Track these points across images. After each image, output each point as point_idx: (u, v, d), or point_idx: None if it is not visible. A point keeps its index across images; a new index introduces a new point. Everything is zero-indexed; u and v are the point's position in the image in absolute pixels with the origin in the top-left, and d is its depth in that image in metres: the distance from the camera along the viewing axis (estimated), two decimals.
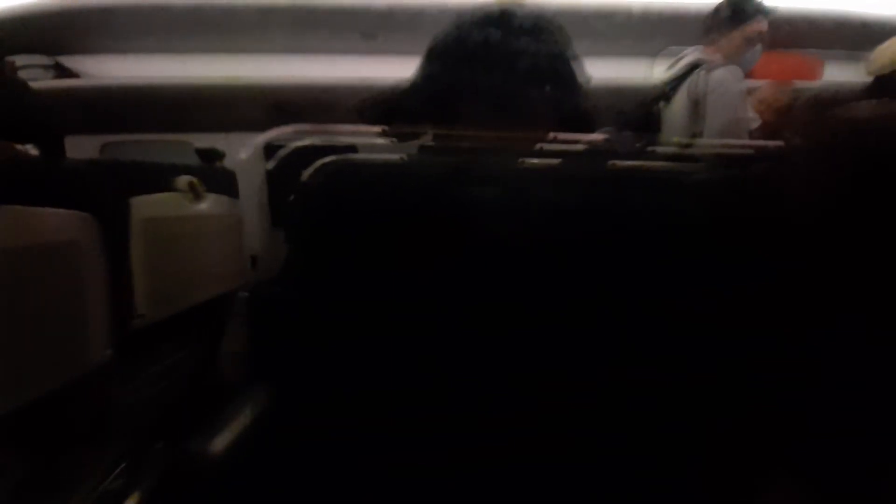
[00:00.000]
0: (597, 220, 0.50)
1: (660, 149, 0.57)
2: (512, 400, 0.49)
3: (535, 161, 0.52)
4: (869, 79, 1.55)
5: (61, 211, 0.85)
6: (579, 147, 0.55)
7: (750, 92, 1.69)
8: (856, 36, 2.16)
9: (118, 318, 0.96)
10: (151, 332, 1.08)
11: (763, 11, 1.60)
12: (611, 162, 0.52)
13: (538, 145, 0.53)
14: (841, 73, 2.28)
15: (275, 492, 0.54)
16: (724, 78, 1.50)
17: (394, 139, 0.61)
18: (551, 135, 0.54)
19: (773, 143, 0.54)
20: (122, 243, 1.01)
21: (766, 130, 1.66)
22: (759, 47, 1.62)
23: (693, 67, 1.56)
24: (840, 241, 0.44)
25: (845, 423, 0.46)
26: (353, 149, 0.61)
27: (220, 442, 0.61)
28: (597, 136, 0.62)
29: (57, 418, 0.85)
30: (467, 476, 0.50)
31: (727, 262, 0.47)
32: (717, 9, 1.61)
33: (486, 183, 0.51)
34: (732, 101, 1.49)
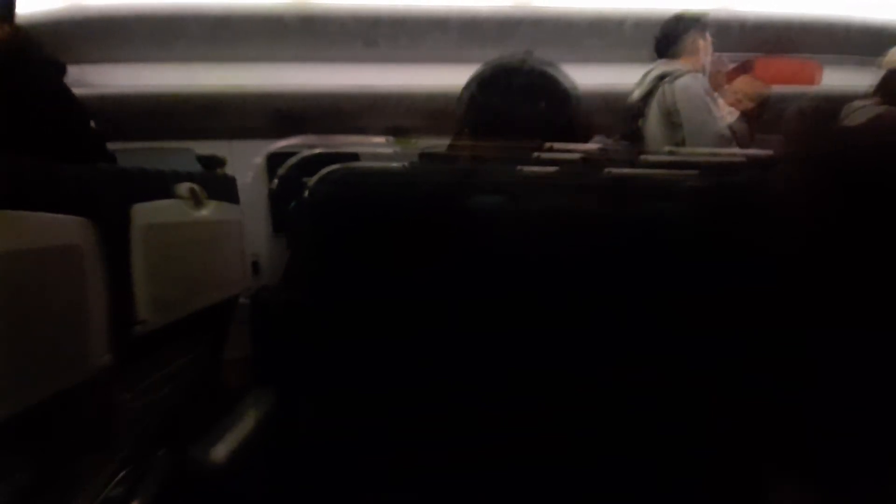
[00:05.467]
0: (594, 226, 0.50)
1: (652, 157, 0.58)
2: (514, 401, 0.50)
3: (535, 169, 0.53)
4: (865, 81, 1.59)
5: (62, 216, 0.85)
6: (576, 156, 0.56)
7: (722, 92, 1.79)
8: (856, 41, 2.17)
9: (119, 324, 0.96)
10: (153, 338, 1.08)
11: (711, 25, 1.71)
12: (607, 170, 0.53)
13: (535, 154, 0.54)
14: (840, 77, 2.29)
15: (277, 496, 0.54)
16: (688, 84, 1.58)
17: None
18: (548, 144, 0.55)
19: (765, 152, 0.55)
20: (124, 249, 1.02)
21: (747, 119, 1.76)
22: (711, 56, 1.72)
23: (660, 80, 1.64)
24: (833, 244, 0.45)
25: (846, 423, 0.47)
26: (354, 156, 0.62)
27: (223, 448, 0.61)
28: (593, 146, 0.63)
29: (59, 424, 0.85)
30: (470, 477, 0.50)
31: (723, 265, 0.48)
32: (674, 21, 1.70)
33: (486, 189, 0.52)
34: (701, 103, 1.57)
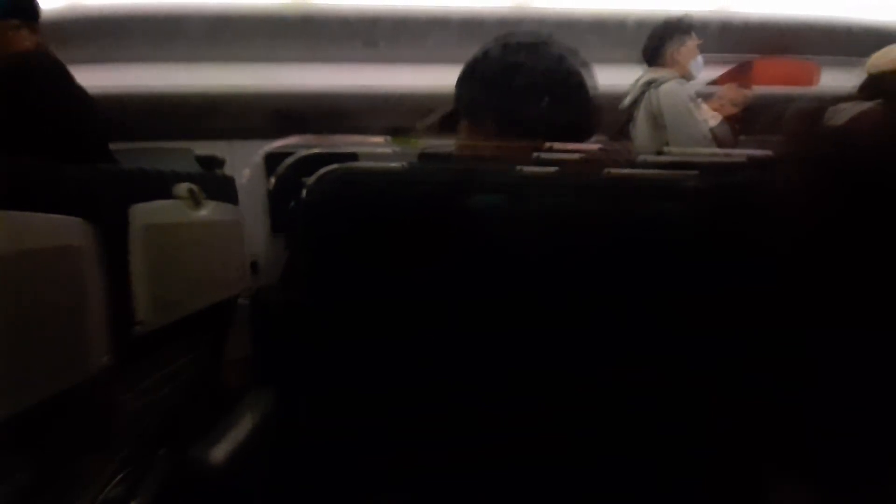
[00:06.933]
0: (594, 226, 0.50)
1: (652, 157, 0.58)
2: (514, 402, 0.50)
3: (535, 169, 0.53)
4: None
5: (60, 217, 0.85)
6: (576, 156, 0.56)
7: (706, 97, 1.88)
8: (855, 42, 2.17)
9: (119, 324, 0.96)
10: (153, 337, 1.08)
11: (695, 26, 1.78)
12: (607, 170, 0.53)
13: (535, 154, 0.54)
14: (837, 78, 2.30)
15: (277, 496, 0.54)
16: (671, 90, 1.67)
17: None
18: (548, 144, 0.55)
19: (765, 152, 0.55)
20: (122, 250, 1.02)
21: (730, 124, 1.83)
22: (700, 58, 1.79)
23: (648, 86, 1.73)
24: (833, 244, 0.45)
25: (846, 424, 0.47)
26: (353, 156, 0.62)
27: (223, 448, 0.61)
28: (593, 146, 0.63)
29: (58, 425, 0.85)
30: (470, 478, 0.50)
31: (722, 265, 0.48)
32: (658, 30, 1.77)
33: (486, 189, 0.52)
34: (683, 107, 1.65)
